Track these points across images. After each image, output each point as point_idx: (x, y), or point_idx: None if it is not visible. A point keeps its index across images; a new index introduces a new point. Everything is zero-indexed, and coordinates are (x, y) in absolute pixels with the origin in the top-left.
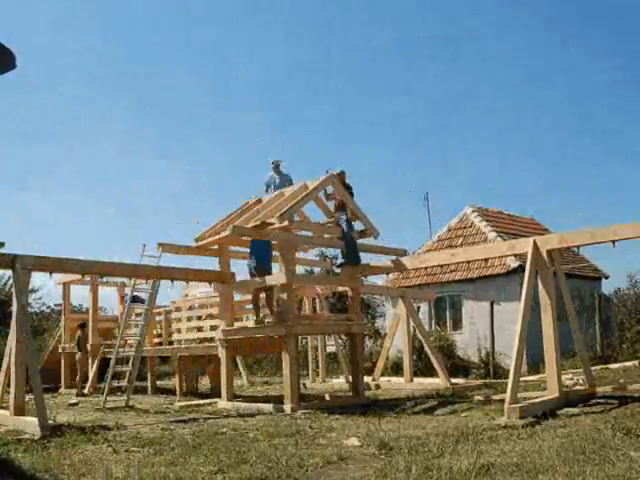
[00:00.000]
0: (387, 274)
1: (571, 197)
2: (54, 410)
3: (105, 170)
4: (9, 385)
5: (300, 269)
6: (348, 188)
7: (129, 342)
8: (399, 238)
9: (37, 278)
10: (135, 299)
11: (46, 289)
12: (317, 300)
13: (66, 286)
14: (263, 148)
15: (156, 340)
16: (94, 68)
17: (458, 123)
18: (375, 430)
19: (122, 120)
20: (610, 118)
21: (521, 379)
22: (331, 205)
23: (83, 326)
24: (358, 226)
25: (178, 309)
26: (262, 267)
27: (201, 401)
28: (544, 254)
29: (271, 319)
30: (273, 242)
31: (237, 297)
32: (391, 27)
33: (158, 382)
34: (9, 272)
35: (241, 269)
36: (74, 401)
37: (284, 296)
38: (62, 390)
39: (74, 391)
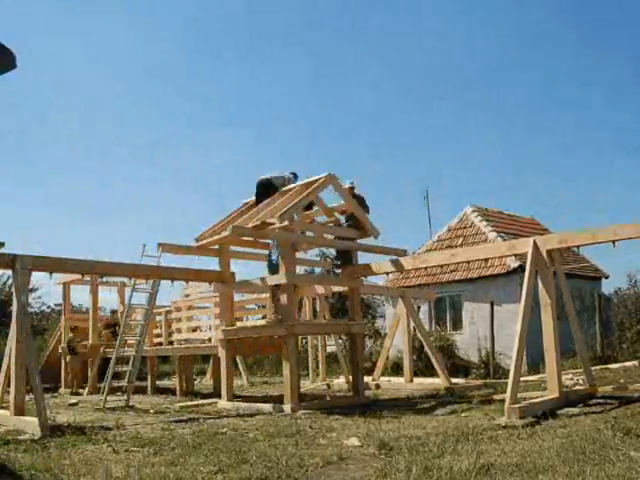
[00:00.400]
0: (387, 274)
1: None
2: (54, 410)
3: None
4: (9, 385)
5: (300, 269)
6: (359, 199)
7: (129, 342)
8: (399, 238)
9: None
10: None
11: (46, 289)
12: (317, 300)
13: (66, 286)
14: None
15: (156, 340)
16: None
17: (457, 122)
18: (375, 430)
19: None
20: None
21: (521, 379)
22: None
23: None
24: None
25: (178, 309)
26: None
27: (201, 401)
28: (544, 254)
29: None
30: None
31: (237, 297)
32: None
33: (158, 382)
34: (9, 272)
35: (241, 269)
36: (74, 401)
37: (284, 297)
38: (62, 390)
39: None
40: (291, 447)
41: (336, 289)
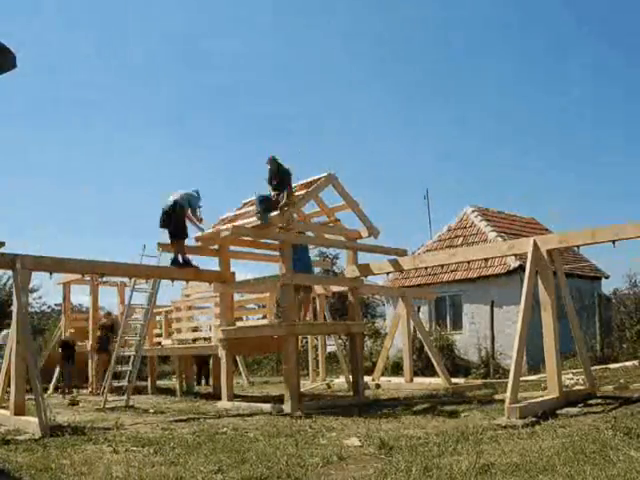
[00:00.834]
0: (387, 274)
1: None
2: (54, 410)
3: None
4: (9, 385)
5: None
6: (285, 172)
7: (129, 342)
8: (399, 238)
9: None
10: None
11: (45, 288)
12: (317, 300)
13: (66, 286)
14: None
15: (156, 340)
16: None
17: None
18: (375, 430)
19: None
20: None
21: (521, 379)
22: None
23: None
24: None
25: (178, 309)
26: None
27: (201, 401)
28: (544, 254)
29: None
30: (274, 242)
31: (237, 297)
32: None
33: (158, 382)
34: (9, 272)
35: (241, 269)
36: (74, 401)
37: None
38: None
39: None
40: (291, 447)
41: (336, 289)
